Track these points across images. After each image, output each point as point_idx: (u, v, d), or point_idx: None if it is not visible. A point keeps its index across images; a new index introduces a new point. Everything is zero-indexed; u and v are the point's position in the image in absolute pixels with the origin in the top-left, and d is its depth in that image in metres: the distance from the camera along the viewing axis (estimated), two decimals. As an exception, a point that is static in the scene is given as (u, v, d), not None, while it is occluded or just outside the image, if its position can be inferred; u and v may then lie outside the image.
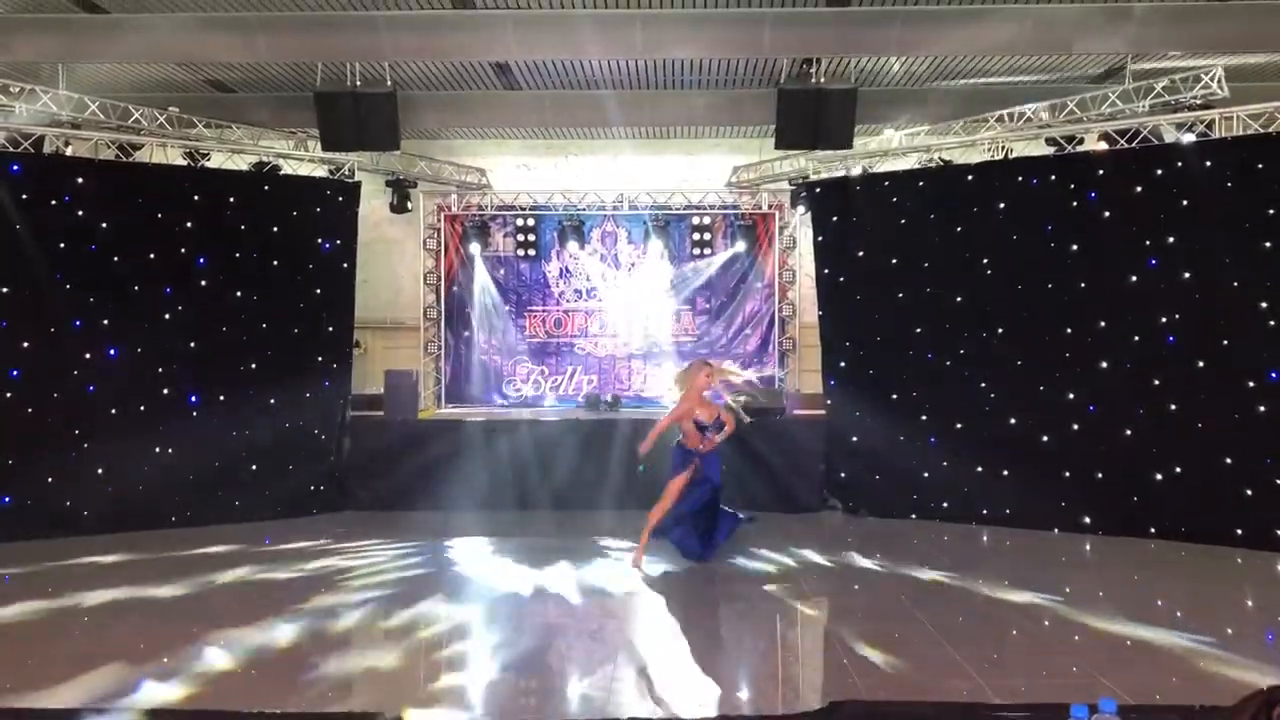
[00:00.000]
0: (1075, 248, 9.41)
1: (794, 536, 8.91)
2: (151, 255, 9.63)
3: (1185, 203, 8.90)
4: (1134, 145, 9.37)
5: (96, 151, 9.80)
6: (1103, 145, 9.62)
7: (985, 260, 9.86)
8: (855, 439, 10.38)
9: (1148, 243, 9.06)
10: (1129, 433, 9.08)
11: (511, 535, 9.02)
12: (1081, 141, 9.79)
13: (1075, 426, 9.32)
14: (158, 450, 9.44)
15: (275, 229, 10.23)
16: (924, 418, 10.07)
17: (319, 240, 10.53)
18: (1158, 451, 8.91)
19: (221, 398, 9.81)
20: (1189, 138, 9.06)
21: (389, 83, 9.96)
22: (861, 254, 10.60)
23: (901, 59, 10.08)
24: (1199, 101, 9.08)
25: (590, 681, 5.09)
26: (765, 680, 5.44)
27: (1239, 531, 8.43)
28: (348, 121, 9.89)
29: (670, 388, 10.36)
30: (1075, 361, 9.35)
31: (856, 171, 10.97)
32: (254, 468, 9.84)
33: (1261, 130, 8.72)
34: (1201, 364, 8.74)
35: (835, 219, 10.80)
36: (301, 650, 5.60)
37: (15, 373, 9.02)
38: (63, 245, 9.24)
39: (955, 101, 10.93)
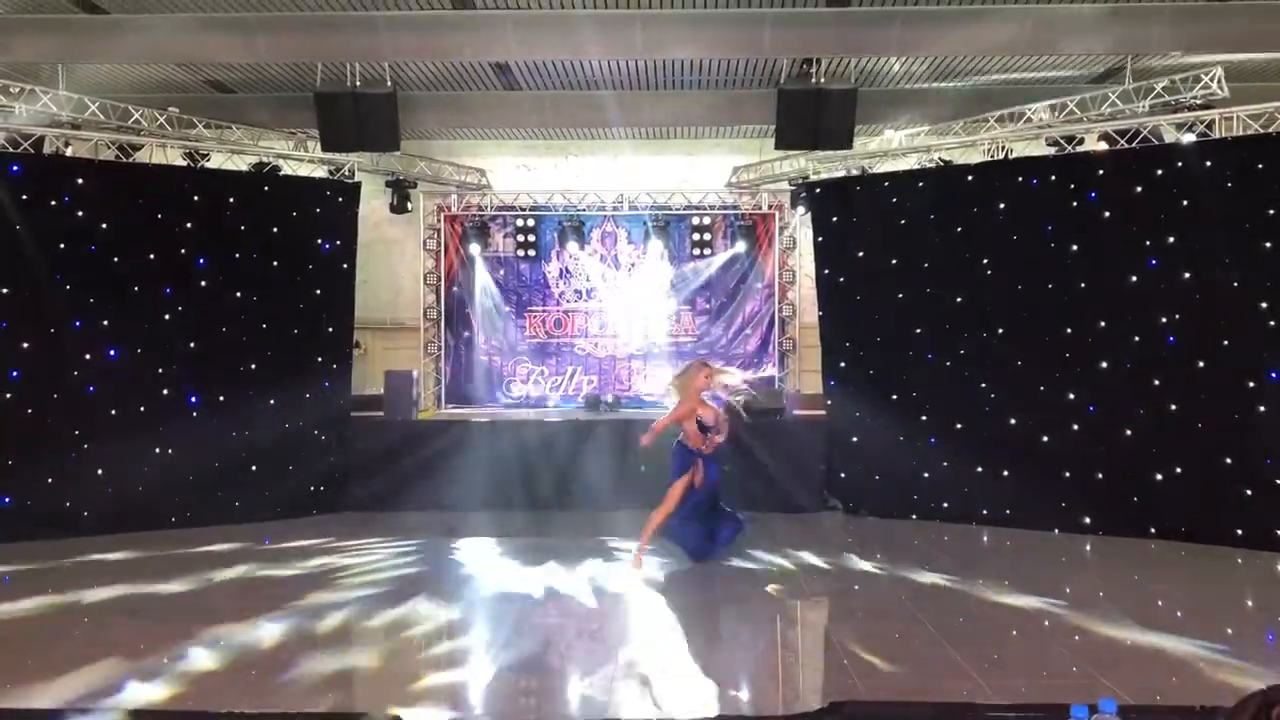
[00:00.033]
0: (1075, 248, 9.41)
1: (794, 537, 8.91)
2: (151, 256, 9.63)
3: (1185, 203, 8.90)
4: (1134, 145, 9.36)
5: (96, 152, 9.79)
6: (1103, 145, 9.61)
7: (985, 260, 9.86)
8: (855, 439, 10.38)
9: (1148, 243, 9.06)
10: (1129, 433, 9.08)
11: (512, 535, 9.03)
12: (1081, 142, 9.78)
13: (1075, 427, 9.32)
14: (158, 451, 9.44)
15: (275, 229, 10.24)
16: (924, 418, 10.06)
17: (319, 241, 10.53)
18: (1158, 452, 8.92)
19: (221, 398, 9.81)
20: (1189, 138, 9.06)
21: (389, 83, 9.95)
22: (861, 254, 10.60)
23: (901, 59, 10.06)
24: (1199, 101, 9.08)
25: (590, 682, 5.09)
26: (765, 680, 5.45)
27: (1239, 532, 8.43)
28: (348, 122, 9.88)
29: (668, 389, 10.34)
30: (1075, 362, 9.35)
31: (856, 172, 10.97)
32: (254, 468, 9.85)
33: (1261, 130, 8.71)
34: (1201, 364, 8.73)
35: (835, 219, 10.80)
36: (295, 649, 5.58)
37: (15, 373, 9.03)
38: (63, 246, 9.25)
39: (955, 102, 10.92)
